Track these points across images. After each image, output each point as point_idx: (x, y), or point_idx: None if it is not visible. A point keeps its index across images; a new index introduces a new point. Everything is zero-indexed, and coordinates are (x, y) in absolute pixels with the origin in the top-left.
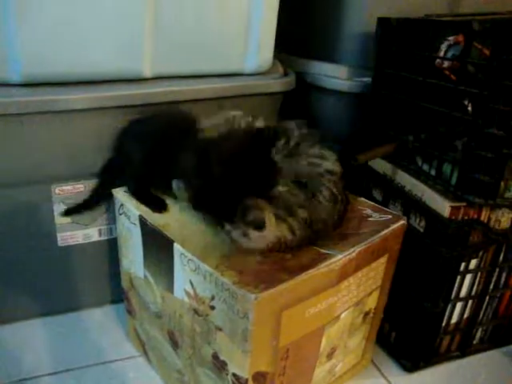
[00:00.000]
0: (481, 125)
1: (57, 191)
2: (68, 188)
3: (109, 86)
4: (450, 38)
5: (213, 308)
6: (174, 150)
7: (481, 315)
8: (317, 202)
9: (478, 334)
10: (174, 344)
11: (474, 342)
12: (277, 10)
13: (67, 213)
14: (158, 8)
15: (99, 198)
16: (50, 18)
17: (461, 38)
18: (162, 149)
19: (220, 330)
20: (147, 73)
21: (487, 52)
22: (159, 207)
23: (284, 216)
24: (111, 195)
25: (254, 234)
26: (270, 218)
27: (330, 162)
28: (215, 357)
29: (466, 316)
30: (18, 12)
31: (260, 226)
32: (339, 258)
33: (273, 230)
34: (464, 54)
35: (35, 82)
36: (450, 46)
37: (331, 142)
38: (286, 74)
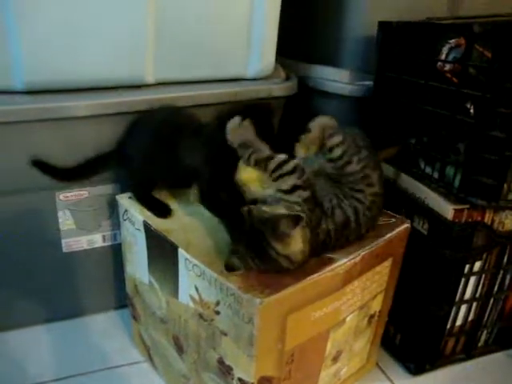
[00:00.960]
0: (483, 127)
1: (61, 197)
2: (72, 194)
3: (111, 92)
4: (452, 41)
5: (218, 313)
6: (179, 148)
7: (486, 317)
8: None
9: (484, 337)
10: (179, 349)
11: (480, 345)
12: (278, 15)
13: (36, 163)
14: (160, 15)
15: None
16: (51, 26)
17: (462, 40)
18: (165, 148)
19: (225, 334)
20: (150, 79)
21: (488, 54)
22: (163, 212)
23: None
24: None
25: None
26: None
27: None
28: (220, 362)
29: (470, 318)
30: (21, 20)
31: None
32: (344, 262)
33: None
34: (465, 57)
35: (38, 90)
36: (451, 49)
37: None
38: (287, 79)
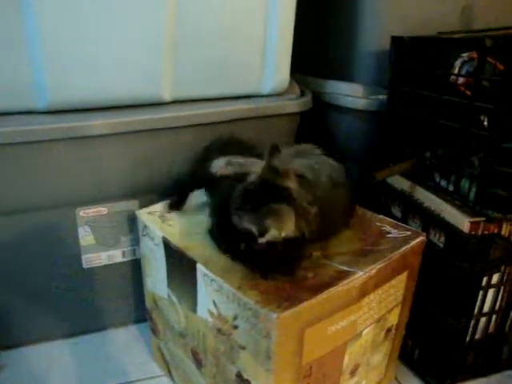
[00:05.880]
0: (497, 140)
1: (81, 214)
2: (92, 211)
3: (130, 110)
4: (464, 55)
5: (236, 327)
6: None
7: (507, 330)
8: (318, 190)
9: (507, 349)
10: (198, 363)
11: (503, 357)
12: (292, 31)
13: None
14: (177, 33)
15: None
16: (73, 47)
17: (475, 54)
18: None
19: (243, 348)
20: (167, 97)
21: (501, 67)
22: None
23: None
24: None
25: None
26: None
27: (329, 158)
28: (239, 376)
29: (490, 331)
30: (44, 43)
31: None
32: (359, 276)
33: (290, 224)
34: (478, 70)
35: (60, 109)
36: (464, 63)
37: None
38: (302, 94)
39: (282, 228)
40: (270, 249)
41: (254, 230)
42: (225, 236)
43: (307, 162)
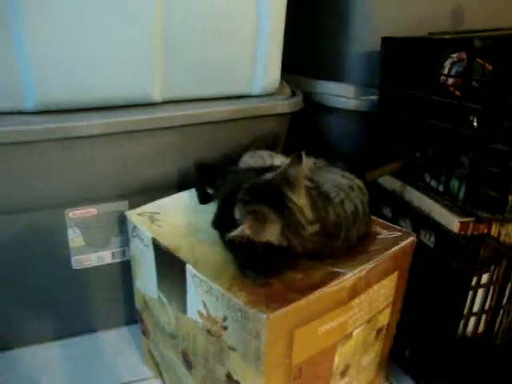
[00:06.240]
0: (486, 140)
1: (70, 215)
2: (81, 212)
3: (119, 111)
4: (454, 55)
5: (225, 328)
6: None
7: (496, 329)
8: (334, 215)
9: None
10: (188, 365)
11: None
12: (283, 31)
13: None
14: (167, 33)
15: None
16: (61, 46)
17: (464, 54)
18: None
19: (233, 350)
20: (157, 97)
21: (490, 67)
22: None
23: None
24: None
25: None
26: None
27: (361, 182)
28: (229, 377)
29: (480, 331)
30: (31, 42)
31: (259, 218)
32: (349, 277)
33: (274, 230)
34: (467, 71)
35: (48, 110)
36: (453, 63)
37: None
38: (293, 95)
39: (257, 231)
40: (249, 247)
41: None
42: (223, 225)
43: (338, 182)
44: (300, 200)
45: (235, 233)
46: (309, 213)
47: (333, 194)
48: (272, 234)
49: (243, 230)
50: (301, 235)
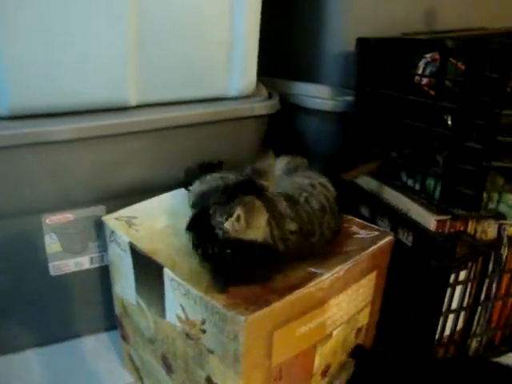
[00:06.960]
0: (460, 139)
1: (47, 221)
2: (58, 217)
3: (95, 115)
4: (428, 56)
5: (204, 331)
6: None
7: (474, 326)
8: (304, 213)
9: (474, 345)
10: (168, 369)
11: (470, 354)
12: (258, 34)
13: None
14: (141, 35)
15: None
16: (33, 50)
17: (437, 55)
18: None
19: (212, 353)
20: (132, 101)
21: (462, 67)
22: None
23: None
24: None
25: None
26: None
27: (325, 179)
28: (209, 380)
29: (459, 328)
30: (3, 47)
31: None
32: (327, 277)
33: (263, 220)
34: (440, 71)
35: (23, 115)
36: (427, 63)
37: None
38: (270, 97)
39: (250, 217)
40: (237, 249)
41: (224, 219)
42: (199, 234)
43: (300, 183)
44: (275, 190)
45: (227, 225)
46: (285, 206)
47: (296, 195)
48: (261, 223)
49: (237, 217)
50: (283, 229)
